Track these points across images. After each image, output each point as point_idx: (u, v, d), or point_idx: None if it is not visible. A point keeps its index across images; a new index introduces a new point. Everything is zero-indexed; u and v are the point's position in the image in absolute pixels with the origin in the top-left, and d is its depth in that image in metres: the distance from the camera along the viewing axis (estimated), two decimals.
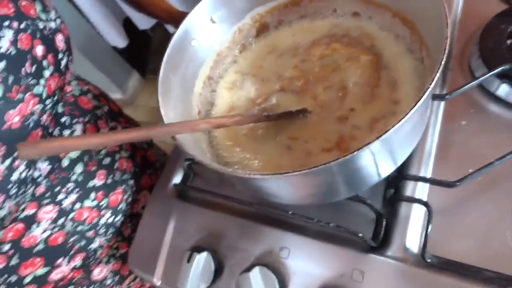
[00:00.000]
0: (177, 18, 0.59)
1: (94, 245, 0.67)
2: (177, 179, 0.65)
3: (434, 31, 0.46)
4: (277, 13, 0.65)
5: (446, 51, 0.39)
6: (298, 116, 0.54)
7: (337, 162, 0.37)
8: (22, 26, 0.50)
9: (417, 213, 0.52)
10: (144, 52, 2.43)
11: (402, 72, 0.54)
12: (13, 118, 0.49)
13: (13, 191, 0.52)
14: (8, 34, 0.48)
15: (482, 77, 0.55)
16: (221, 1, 0.60)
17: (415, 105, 0.37)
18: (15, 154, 0.50)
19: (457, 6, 0.68)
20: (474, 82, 0.54)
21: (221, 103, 0.62)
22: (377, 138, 0.36)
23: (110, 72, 2.21)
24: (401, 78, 0.54)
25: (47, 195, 0.59)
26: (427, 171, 0.54)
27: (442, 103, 0.59)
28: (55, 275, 0.64)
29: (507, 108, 0.57)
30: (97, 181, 0.65)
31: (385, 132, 0.36)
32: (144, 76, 2.43)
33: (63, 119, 0.61)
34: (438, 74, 0.38)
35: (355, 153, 0.36)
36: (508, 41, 0.60)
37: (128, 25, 2.08)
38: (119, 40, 2.07)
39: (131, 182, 0.72)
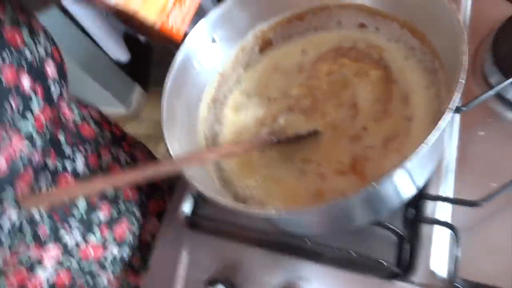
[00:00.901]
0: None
1: (102, 282, 0.65)
2: (187, 207, 0.63)
3: (448, 42, 0.44)
4: (280, 29, 0.62)
5: (465, 68, 0.37)
6: (309, 139, 0.52)
7: (357, 195, 0.34)
8: (5, 57, 0.46)
9: (441, 234, 0.49)
10: (145, 65, 2.41)
11: (413, 86, 0.52)
12: None
13: (5, 239, 0.50)
14: None
15: (499, 86, 0.52)
16: (220, 19, 0.58)
17: (436, 129, 0.35)
18: (5, 203, 0.47)
19: (465, 8, 0.66)
20: (491, 92, 0.52)
21: (228, 126, 0.60)
22: (400, 165, 0.34)
23: (113, 88, 2.20)
24: (413, 93, 0.51)
25: (50, 235, 0.57)
26: (447, 188, 0.52)
27: (458, 115, 0.56)
28: None
29: None
30: (101, 215, 0.63)
31: (408, 158, 0.34)
32: (146, 89, 2.41)
33: (64, 149, 0.59)
34: (458, 94, 0.36)
35: (375, 183, 0.34)
36: None
37: (128, 39, 2.07)
38: (121, 55, 2.07)
39: (138, 211, 0.70)
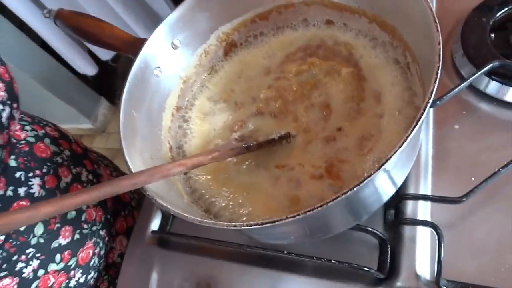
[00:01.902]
0: (135, 46, 0.53)
1: None
2: (155, 224, 0.59)
3: (419, 33, 0.42)
4: (244, 29, 0.60)
5: (441, 57, 0.35)
6: (281, 143, 0.49)
7: (335, 202, 0.32)
8: None
9: (424, 234, 0.47)
10: (111, 78, 2.34)
11: (385, 82, 0.50)
12: None
13: None
14: None
15: (472, 77, 0.51)
16: (180, 23, 0.55)
17: (416, 124, 0.32)
18: None
19: (431, 1, 0.65)
20: (464, 84, 0.50)
21: (195, 135, 0.56)
22: (380, 167, 0.31)
23: (77, 103, 2.12)
24: (385, 89, 0.50)
25: (3, 267, 0.51)
26: (426, 186, 0.50)
27: (432, 109, 0.55)
28: None
29: (499, 106, 0.54)
30: (62, 240, 0.58)
31: (388, 160, 0.32)
32: (113, 102, 2.34)
33: (17, 174, 0.54)
34: (435, 86, 0.34)
35: (354, 189, 0.31)
36: (492, 35, 0.56)
37: (92, 53, 2.00)
38: (88, 68, 2.00)
39: (103, 232, 0.65)
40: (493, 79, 0.53)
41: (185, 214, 0.36)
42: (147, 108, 0.52)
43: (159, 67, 0.54)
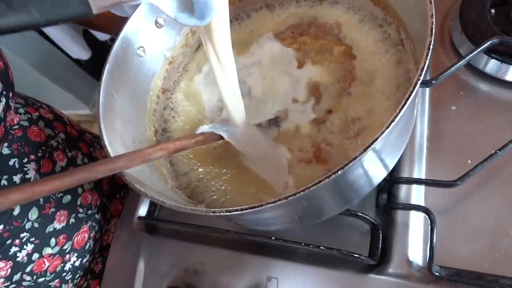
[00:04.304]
0: (118, 25, 0.50)
1: None
2: (142, 210, 0.57)
3: (413, 8, 0.39)
4: (233, 7, 0.57)
5: (433, 31, 0.33)
6: (269, 127, 0.47)
7: (321, 185, 0.30)
8: None
9: (416, 219, 0.45)
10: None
11: (377, 60, 0.47)
12: None
13: None
14: None
15: (470, 55, 0.48)
16: None
17: (405, 103, 0.30)
18: None
19: None
20: (461, 62, 0.47)
21: (181, 117, 0.54)
22: (368, 147, 0.29)
23: (75, 89, 2.10)
24: (377, 67, 0.47)
25: None
26: (420, 170, 0.48)
27: (428, 89, 0.52)
28: None
29: (498, 86, 0.51)
30: (57, 224, 0.56)
31: (375, 140, 0.29)
32: None
33: (11, 162, 0.52)
34: (427, 61, 0.32)
35: (339, 173, 0.29)
36: (492, 11, 0.53)
37: (87, 38, 1.96)
38: (82, 52, 1.96)
39: (98, 215, 0.64)
40: (492, 57, 0.50)
41: (163, 200, 0.34)
42: (130, 90, 0.50)
43: (142, 47, 0.51)
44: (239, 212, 0.31)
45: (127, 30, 0.49)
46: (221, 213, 0.31)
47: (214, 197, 0.45)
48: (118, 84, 0.47)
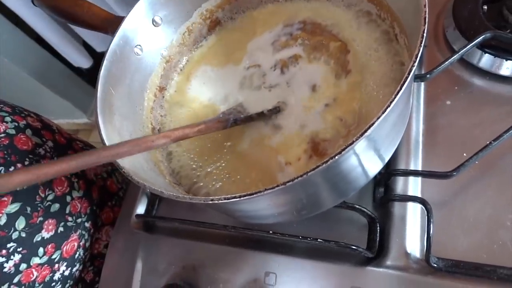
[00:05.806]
0: (115, 25, 0.51)
1: None
2: (140, 209, 0.57)
3: (407, 3, 0.40)
4: (228, 7, 0.58)
5: (427, 20, 0.33)
6: (270, 117, 0.48)
7: (316, 172, 0.30)
8: None
9: (414, 211, 0.46)
10: None
11: (371, 55, 0.48)
12: None
13: None
14: None
15: (463, 50, 0.49)
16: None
17: (400, 89, 0.31)
18: None
19: None
20: (455, 56, 0.48)
21: (179, 115, 0.55)
22: (361, 135, 0.30)
23: (73, 97, 2.09)
24: (371, 62, 0.48)
25: None
26: (417, 163, 0.48)
27: (423, 84, 0.53)
28: None
29: (492, 80, 0.52)
30: (45, 233, 0.56)
31: (369, 128, 0.30)
32: None
33: None
34: (421, 49, 0.32)
35: (335, 158, 0.30)
36: (484, 7, 0.54)
37: (87, 46, 1.97)
38: (83, 61, 1.97)
39: (88, 224, 0.63)
40: (486, 52, 0.51)
41: (161, 190, 0.34)
42: (127, 87, 0.50)
43: (139, 45, 0.52)
44: (238, 199, 0.31)
45: (125, 28, 0.50)
46: (220, 201, 0.32)
47: (213, 192, 0.45)
48: (115, 81, 0.48)
